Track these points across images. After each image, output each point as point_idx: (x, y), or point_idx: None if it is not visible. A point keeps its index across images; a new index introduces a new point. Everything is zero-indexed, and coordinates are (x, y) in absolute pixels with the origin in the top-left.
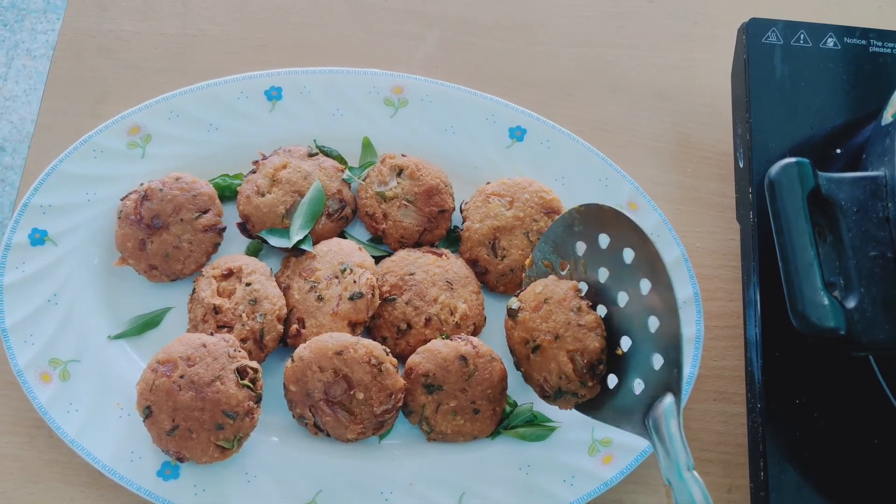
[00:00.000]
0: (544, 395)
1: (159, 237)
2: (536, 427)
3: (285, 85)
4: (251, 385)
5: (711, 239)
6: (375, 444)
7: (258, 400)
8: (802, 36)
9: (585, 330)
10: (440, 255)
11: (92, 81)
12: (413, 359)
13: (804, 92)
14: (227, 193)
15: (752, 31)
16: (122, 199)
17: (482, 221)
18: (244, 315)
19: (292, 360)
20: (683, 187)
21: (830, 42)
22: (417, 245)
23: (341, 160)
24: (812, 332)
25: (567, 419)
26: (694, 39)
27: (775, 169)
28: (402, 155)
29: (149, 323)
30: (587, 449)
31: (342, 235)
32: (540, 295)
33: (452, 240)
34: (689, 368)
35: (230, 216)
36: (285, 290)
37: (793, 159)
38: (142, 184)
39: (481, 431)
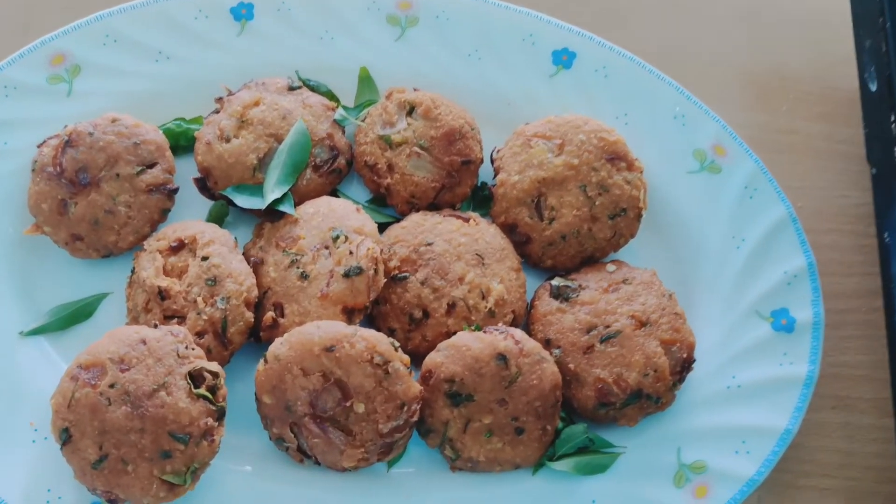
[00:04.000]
0: (605, 402)
1: (86, 197)
2: (594, 454)
3: (258, 0)
4: (209, 395)
5: (817, 196)
6: (382, 473)
7: (220, 416)
8: None
9: (681, 320)
10: (466, 220)
11: (15, 5)
12: (433, 358)
13: None
14: (182, 142)
15: None
16: (38, 146)
17: (522, 173)
18: (200, 300)
19: (265, 361)
20: (776, 130)
21: None
22: (434, 207)
23: (332, 97)
24: None
25: (638, 440)
26: None
27: None
28: (414, 89)
29: (76, 314)
30: (672, 478)
31: (334, 194)
32: (614, 275)
33: (481, 200)
34: (807, 366)
35: (186, 172)
36: (257, 267)
37: None
38: (66, 126)
39: (526, 459)
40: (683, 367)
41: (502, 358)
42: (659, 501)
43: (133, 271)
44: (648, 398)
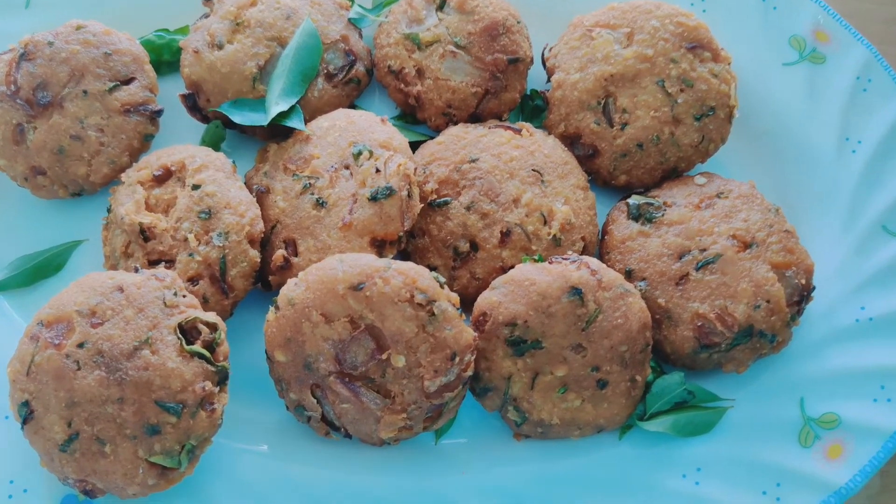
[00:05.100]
0: (707, 344)
1: (47, 121)
2: (695, 410)
3: None
4: (206, 353)
5: None
6: (430, 445)
7: (221, 379)
8: None
9: (794, 239)
10: (517, 132)
11: None
12: (487, 297)
13: None
14: (165, 57)
15: None
16: None
17: (584, 70)
18: (192, 237)
19: (277, 308)
20: (882, 20)
21: None
22: (475, 119)
23: None
24: None
25: (749, 391)
26: None
27: None
28: None
29: (42, 267)
30: (797, 435)
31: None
32: (705, 189)
33: (532, 111)
34: None
35: (172, 94)
36: (262, 197)
37: None
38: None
39: (611, 419)
40: (801, 296)
41: (576, 292)
42: (782, 466)
43: (109, 210)
44: (761, 336)
